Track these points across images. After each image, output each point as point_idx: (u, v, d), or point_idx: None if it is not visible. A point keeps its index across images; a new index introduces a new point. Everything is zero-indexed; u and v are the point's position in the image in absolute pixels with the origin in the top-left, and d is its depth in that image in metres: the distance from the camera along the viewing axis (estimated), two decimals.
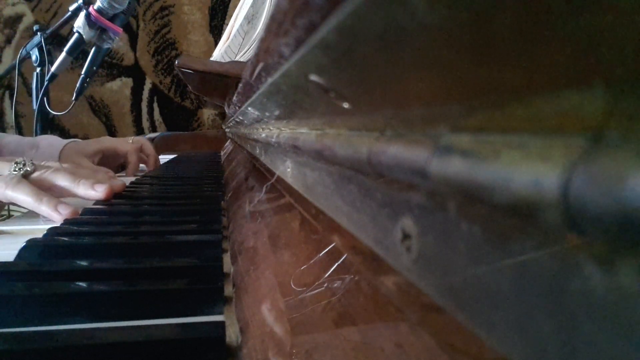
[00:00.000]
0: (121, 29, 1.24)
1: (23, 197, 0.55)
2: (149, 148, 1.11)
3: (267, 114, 0.33)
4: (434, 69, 0.10)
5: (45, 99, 1.31)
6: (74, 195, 0.61)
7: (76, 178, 0.61)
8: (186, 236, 0.44)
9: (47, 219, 0.55)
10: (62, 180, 0.60)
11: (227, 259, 0.40)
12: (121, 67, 2.32)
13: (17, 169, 0.58)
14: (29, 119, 1.86)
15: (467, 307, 0.10)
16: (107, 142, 1.01)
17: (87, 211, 0.56)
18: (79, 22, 1.19)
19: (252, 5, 1.11)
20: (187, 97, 2.37)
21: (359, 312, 0.17)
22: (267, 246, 0.33)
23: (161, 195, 0.71)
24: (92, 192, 0.61)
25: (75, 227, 0.48)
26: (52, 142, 0.95)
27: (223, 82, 0.91)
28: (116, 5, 1.17)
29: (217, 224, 0.49)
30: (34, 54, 1.31)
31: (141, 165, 1.10)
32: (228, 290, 0.32)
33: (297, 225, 0.30)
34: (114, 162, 1.02)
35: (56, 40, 1.36)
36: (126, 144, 1.04)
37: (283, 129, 0.31)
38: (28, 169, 0.59)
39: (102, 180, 0.62)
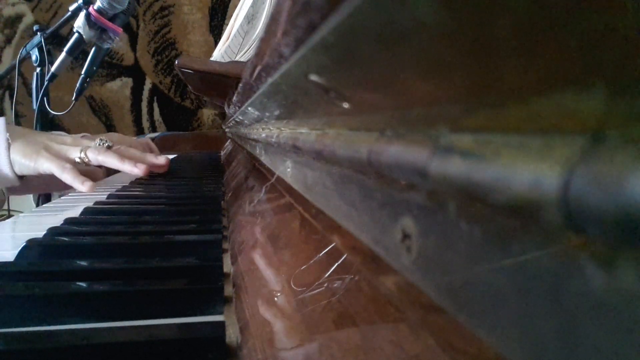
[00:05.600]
0: (121, 29, 1.23)
1: (111, 160, 0.78)
2: (155, 149, 1.13)
3: (267, 114, 0.33)
4: (434, 68, 0.10)
5: (45, 99, 1.30)
6: (143, 162, 0.83)
7: (143, 152, 0.88)
8: (186, 236, 0.44)
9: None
10: (134, 152, 0.85)
11: (227, 259, 0.40)
12: (121, 67, 2.31)
13: (101, 143, 0.80)
14: (29, 119, 1.86)
15: (467, 307, 0.10)
16: (114, 137, 1.04)
17: (87, 211, 0.56)
18: (79, 22, 1.19)
19: (252, 5, 1.10)
20: (187, 97, 2.37)
21: (359, 312, 0.17)
22: (267, 246, 0.33)
23: (161, 195, 0.71)
24: (155, 161, 0.87)
25: (75, 227, 0.48)
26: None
27: (223, 82, 0.91)
28: (116, 5, 1.17)
29: (217, 224, 0.49)
30: (34, 54, 1.31)
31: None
32: (228, 290, 0.32)
33: (297, 225, 0.30)
34: None
35: (56, 40, 1.36)
36: (132, 140, 1.06)
37: (283, 129, 0.31)
38: (109, 144, 0.82)
39: (159, 155, 0.91)
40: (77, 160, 0.76)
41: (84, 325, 0.28)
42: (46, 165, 0.73)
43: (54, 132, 1.06)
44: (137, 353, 0.24)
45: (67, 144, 0.79)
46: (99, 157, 0.77)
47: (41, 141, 0.77)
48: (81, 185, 0.71)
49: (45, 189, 1.02)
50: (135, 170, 0.78)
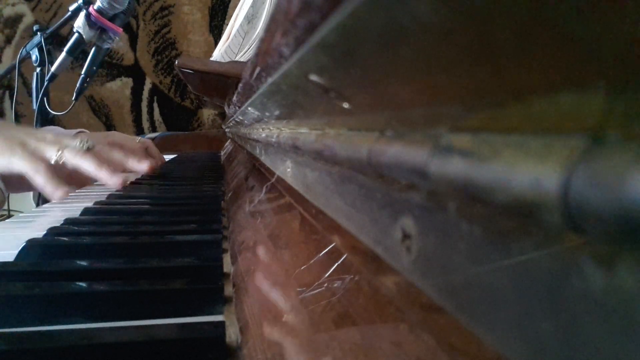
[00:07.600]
0: (121, 29, 1.23)
1: (87, 165, 0.68)
2: (155, 149, 1.12)
3: (267, 114, 0.33)
4: (434, 69, 0.10)
5: (45, 99, 1.30)
6: (124, 167, 0.78)
7: (127, 154, 0.79)
8: (186, 236, 0.44)
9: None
10: (116, 155, 0.77)
11: (227, 259, 0.40)
12: (121, 67, 2.31)
13: (82, 144, 0.71)
14: (29, 119, 1.85)
15: (467, 307, 0.10)
16: (115, 136, 1.03)
17: (87, 211, 0.56)
18: (79, 22, 1.19)
19: (252, 5, 1.10)
20: (187, 97, 2.37)
21: (359, 312, 0.17)
22: (267, 246, 0.33)
23: (161, 195, 0.71)
24: (138, 165, 0.78)
25: (75, 227, 0.48)
26: (58, 132, 0.99)
27: (223, 82, 0.91)
28: (116, 5, 1.17)
29: (217, 224, 0.49)
30: (34, 54, 1.31)
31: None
32: (228, 290, 0.32)
33: (297, 225, 0.30)
34: None
35: (56, 40, 1.36)
36: (133, 141, 1.05)
37: (283, 129, 0.31)
38: (89, 145, 0.72)
39: (144, 158, 0.81)
40: (53, 160, 0.68)
41: (84, 325, 0.28)
42: (19, 165, 0.65)
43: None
44: (137, 353, 0.24)
45: (47, 141, 0.70)
46: (74, 159, 0.68)
47: (18, 137, 0.68)
48: (52, 191, 0.62)
49: None
50: (110, 181, 0.68)
